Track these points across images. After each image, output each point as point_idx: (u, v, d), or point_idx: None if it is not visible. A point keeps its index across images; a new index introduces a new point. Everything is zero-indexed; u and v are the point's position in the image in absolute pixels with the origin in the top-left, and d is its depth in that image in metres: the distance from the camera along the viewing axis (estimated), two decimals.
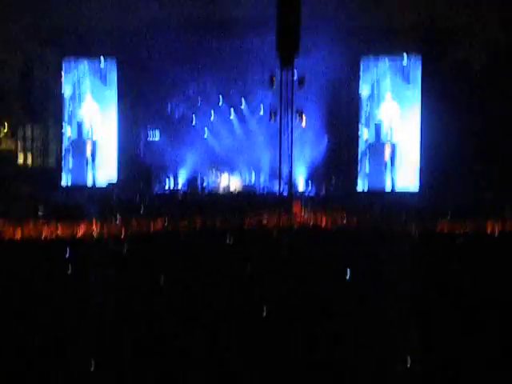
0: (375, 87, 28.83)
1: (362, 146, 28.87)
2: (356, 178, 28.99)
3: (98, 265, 10.71)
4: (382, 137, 28.73)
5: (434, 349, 6.75)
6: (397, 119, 28.69)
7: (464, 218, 18.05)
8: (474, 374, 6.19)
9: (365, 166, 28.89)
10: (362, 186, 28.86)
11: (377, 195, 27.37)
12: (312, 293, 8.82)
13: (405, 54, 28.51)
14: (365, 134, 28.83)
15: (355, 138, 29.05)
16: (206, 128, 32.42)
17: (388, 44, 27.84)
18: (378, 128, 28.70)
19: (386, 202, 25.05)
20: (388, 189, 28.63)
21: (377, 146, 28.71)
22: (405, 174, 28.66)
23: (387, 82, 28.76)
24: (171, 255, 12.39)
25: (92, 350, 6.54)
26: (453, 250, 12.98)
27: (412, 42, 27.49)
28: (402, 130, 28.72)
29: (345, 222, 18.08)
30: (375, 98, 28.83)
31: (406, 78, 28.69)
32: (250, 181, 31.78)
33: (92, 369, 6.10)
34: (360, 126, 28.90)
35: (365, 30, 27.59)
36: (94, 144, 29.60)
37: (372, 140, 28.74)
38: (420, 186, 28.33)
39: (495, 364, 6.36)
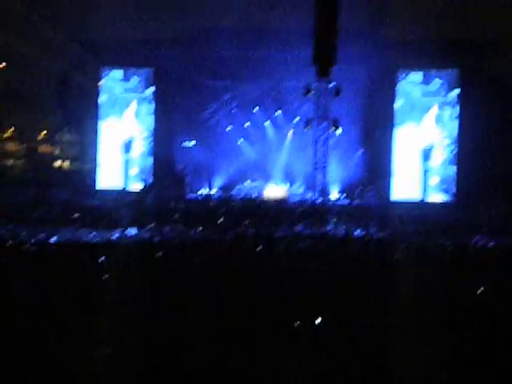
0: (411, 100, 28.72)
1: (396, 157, 28.74)
2: (390, 187, 28.86)
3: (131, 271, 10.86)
4: (417, 148, 28.64)
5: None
6: (432, 132, 28.57)
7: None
8: None
9: (400, 176, 28.74)
10: (396, 195, 28.68)
11: (411, 206, 27.13)
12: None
13: (441, 68, 28.40)
14: (399, 145, 28.72)
15: (390, 148, 28.92)
16: (240, 136, 32.63)
17: (425, 57, 27.61)
18: (412, 140, 28.60)
19: (419, 212, 24.83)
20: (423, 199, 28.48)
21: (411, 157, 28.58)
22: (438, 184, 28.56)
23: (423, 95, 28.68)
24: (202, 262, 12.46)
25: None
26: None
27: (449, 56, 27.30)
28: (438, 142, 28.60)
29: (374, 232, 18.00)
30: (410, 110, 28.71)
31: (443, 91, 28.57)
32: (284, 189, 31.75)
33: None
34: (394, 137, 28.78)
35: (402, 43, 27.46)
36: (128, 149, 29.96)
37: (407, 151, 28.61)
38: (454, 197, 28.19)
39: None
